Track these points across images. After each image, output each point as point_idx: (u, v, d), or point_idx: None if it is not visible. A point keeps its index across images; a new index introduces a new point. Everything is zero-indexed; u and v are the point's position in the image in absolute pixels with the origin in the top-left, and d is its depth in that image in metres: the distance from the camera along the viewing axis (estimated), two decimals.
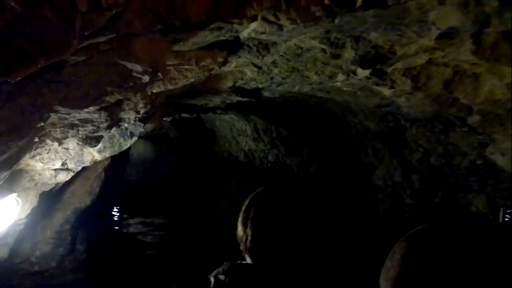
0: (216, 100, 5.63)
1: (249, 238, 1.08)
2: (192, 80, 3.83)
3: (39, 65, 2.37)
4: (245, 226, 1.10)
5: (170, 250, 7.53)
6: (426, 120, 5.99)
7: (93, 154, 4.24)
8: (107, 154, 4.33)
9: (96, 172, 5.23)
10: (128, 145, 4.39)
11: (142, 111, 3.91)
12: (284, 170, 12.13)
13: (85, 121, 3.71)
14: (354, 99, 5.78)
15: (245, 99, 5.04)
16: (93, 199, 5.34)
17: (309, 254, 1.09)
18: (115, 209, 10.39)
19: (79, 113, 3.51)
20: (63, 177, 4.38)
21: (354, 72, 4.06)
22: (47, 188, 4.47)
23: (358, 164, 8.22)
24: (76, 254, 5.52)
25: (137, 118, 4.00)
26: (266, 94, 5.56)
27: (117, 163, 6.16)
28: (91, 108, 3.25)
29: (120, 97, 3.29)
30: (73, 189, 5.16)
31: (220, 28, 3.10)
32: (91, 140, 3.94)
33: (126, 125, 4.04)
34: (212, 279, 1.05)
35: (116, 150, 4.32)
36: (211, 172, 15.97)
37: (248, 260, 1.10)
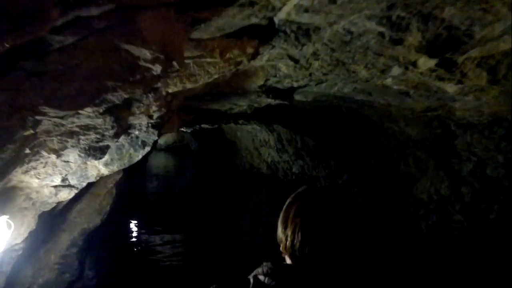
0: (242, 104, 4.87)
1: (289, 238, 1.03)
2: (216, 76, 3.07)
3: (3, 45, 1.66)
4: (285, 226, 1.05)
5: (193, 272, 6.75)
6: (483, 125, 5.10)
7: (98, 168, 3.51)
8: (116, 167, 3.59)
9: (107, 188, 4.51)
10: (140, 156, 3.65)
11: (155, 115, 3.17)
12: (310, 182, 11.27)
13: (87, 128, 2.98)
14: (400, 101, 4.94)
15: (276, 101, 4.27)
16: (103, 219, 4.61)
17: (351, 255, 1.02)
18: (132, 226, 9.77)
19: (78, 117, 2.79)
20: (65, 195, 3.66)
21: (415, 64, 3.23)
22: (48, 208, 3.76)
23: (396, 175, 7.32)
24: (84, 280, 4.79)
25: (150, 124, 3.25)
26: (298, 97, 4.77)
27: (131, 177, 5.44)
28: (89, 110, 2.51)
29: (126, 96, 2.55)
30: (80, 208, 4.45)
31: (252, 3, 2.34)
32: (95, 151, 3.21)
33: (137, 132, 3.30)
34: (251, 279, 1.00)
35: (125, 163, 3.58)
36: (232, 185, 15.21)
37: (288, 261, 1.06)
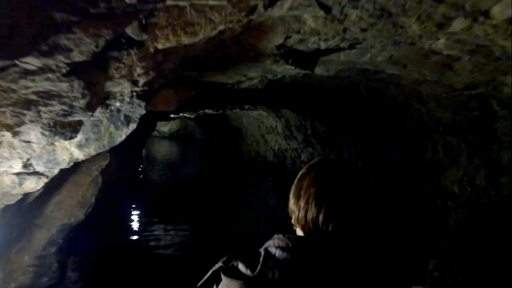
0: (253, 75, 4.00)
1: (302, 209, 0.97)
2: (221, 28, 2.23)
3: None
4: (298, 196, 0.99)
5: (194, 265, 5.98)
6: None
7: (70, 151, 2.70)
8: (93, 150, 2.78)
9: (91, 176, 3.71)
10: (124, 136, 2.82)
11: (141, 81, 2.35)
12: None
13: (48, 96, 2.17)
14: (439, 75, 4.08)
15: (296, 71, 3.41)
16: (87, 212, 3.82)
17: (369, 229, 0.95)
18: (130, 218, 9.01)
19: (32, 79, 1.97)
20: (33, 184, 2.86)
21: (486, 14, 2.38)
22: (12, 201, 2.96)
23: (421, 164, 6.48)
24: (67, 284, 4.01)
25: (134, 94, 2.43)
26: (319, 70, 3.93)
27: (123, 163, 4.65)
28: (37, 62, 1.69)
29: (93, 46, 1.74)
30: (58, 200, 3.65)
31: None
32: (64, 129, 2.40)
33: (118, 104, 2.48)
34: (262, 252, 0.94)
35: (105, 144, 2.76)
36: (237, 174, 14.43)
37: (300, 233, 1.01)
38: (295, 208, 0.99)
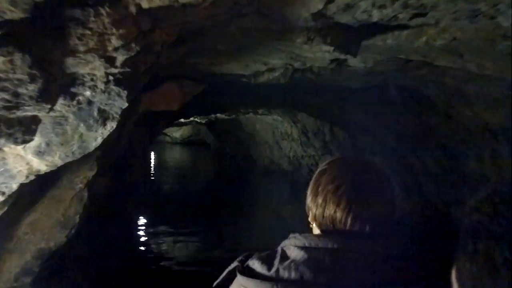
0: (276, 63, 3.13)
1: (320, 206, 0.93)
2: None
3: None
4: (315, 194, 0.95)
5: (207, 279, 5.18)
6: None
7: (27, 159, 1.92)
8: (58, 158, 1.96)
9: (74, 189, 2.93)
10: (100, 139, 1.98)
11: (120, 58, 1.58)
12: None
13: None
14: (501, 69, 3.26)
15: (333, 55, 2.57)
16: (69, 235, 3.04)
17: (386, 225, 0.91)
18: (138, 228, 8.32)
19: None
20: None
21: None
22: None
23: (461, 175, 5.61)
24: None
25: (111, 78, 1.64)
26: (355, 61, 3.12)
27: (120, 173, 3.87)
28: None
29: None
30: (33, 219, 2.88)
31: None
32: (11, 128, 1.64)
33: (88, 93, 1.70)
34: (279, 250, 0.92)
35: (75, 150, 1.94)
36: (250, 181, 13.64)
37: (316, 231, 0.98)
38: (313, 205, 0.95)
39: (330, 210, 0.91)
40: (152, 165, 18.80)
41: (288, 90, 4.65)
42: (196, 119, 12.10)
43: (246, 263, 0.93)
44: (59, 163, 2.00)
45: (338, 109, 6.90)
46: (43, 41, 1.39)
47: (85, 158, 2.57)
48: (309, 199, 0.97)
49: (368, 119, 7.06)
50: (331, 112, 7.49)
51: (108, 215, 4.36)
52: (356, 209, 0.89)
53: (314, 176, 0.99)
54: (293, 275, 0.84)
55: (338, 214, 0.90)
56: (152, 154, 22.00)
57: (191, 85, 3.42)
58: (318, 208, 0.94)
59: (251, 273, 0.89)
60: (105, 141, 2.27)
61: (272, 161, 13.59)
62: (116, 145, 3.41)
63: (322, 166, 1.00)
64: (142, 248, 7.26)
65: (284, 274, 0.85)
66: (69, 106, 1.72)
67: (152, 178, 14.77)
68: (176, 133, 25.22)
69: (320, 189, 0.94)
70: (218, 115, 11.06)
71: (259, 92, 5.00)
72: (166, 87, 3.09)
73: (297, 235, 0.92)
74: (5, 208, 2.40)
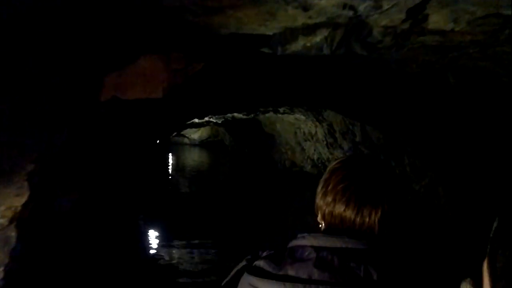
0: (323, 7, 1.92)
1: (329, 205, 0.92)
2: None
3: None
4: (325, 192, 0.94)
5: None
6: None
7: None
8: None
9: None
10: None
11: None
12: None
13: None
14: None
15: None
16: None
17: (395, 226, 0.92)
18: (149, 236, 7.38)
19: None
20: None
21: None
22: None
23: None
24: None
25: None
26: (441, 19, 1.93)
27: (97, 195, 2.75)
28: None
29: None
30: None
31: None
32: None
33: None
34: (287, 250, 0.90)
35: None
36: (270, 186, 12.47)
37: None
38: (322, 203, 0.94)
39: (339, 209, 0.91)
40: (169, 167, 17.96)
41: (321, 76, 3.48)
42: (212, 119, 10.97)
43: (254, 262, 0.90)
44: None
45: (376, 104, 5.63)
46: None
47: (5, 178, 1.44)
48: (318, 198, 0.96)
49: (409, 115, 5.76)
50: (365, 108, 6.23)
51: (91, 236, 3.26)
52: (366, 209, 0.89)
53: (325, 174, 0.98)
54: (301, 274, 0.83)
55: (348, 213, 0.90)
56: (170, 156, 21.17)
57: (183, 58, 2.25)
58: (327, 207, 0.93)
59: (259, 273, 0.87)
60: (44, 151, 1.19)
61: (294, 164, 12.36)
62: (77, 153, 2.32)
63: (332, 164, 0.99)
64: (151, 261, 6.30)
65: (293, 273, 0.83)
66: None
67: (169, 182, 13.91)
68: (194, 134, 24.34)
69: (330, 188, 0.93)
70: (235, 114, 9.92)
71: (282, 81, 3.81)
72: (143, 63, 1.98)
73: (305, 234, 0.91)
74: None
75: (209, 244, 7.31)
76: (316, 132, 9.50)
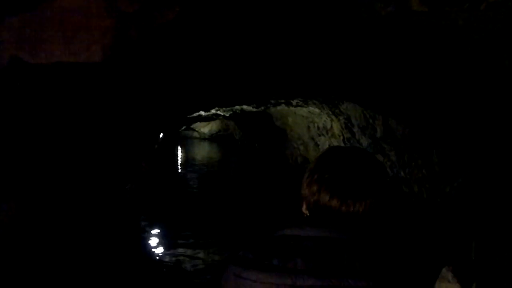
0: None
1: (315, 195, 0.91)
2: None
3: None
4: (310, 182, 0.92)
5: None
6: None
7: None
8: None
9: None
10: None
11: None
12: (393, 186, 7.42)
13: None
14: None
15: None
16: None
17: (379, 216, 0.91)
18: (157, 236, 6.86)
19: None
20: None
21: None
22: None
23: None
24: None
25: None
26: None
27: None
28: None
29: None
30: None
31: None
32: None
33: None
34: (279, 240, 0.89)
35: None
36: (281, 182, 11.69)
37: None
38: (308, 193, 0.93)
39: (324, 199, 0.90)
40: (178, 162, 17.37)
41: (346, 54, 2.66)
42: (219, 112, 10.17)
43: (240, 253, 0.90)
44: None
45: (407, 93, 4.76)
46: None
47: None
48: (304, 188, 0.95)
49: (447, 104, 4.88)
50: (392, 97, 5.35)
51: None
52: (351, 198, 0.88)
53: (311, 164, 0.97)
54: (286, 264, 0.83)
55: (333, 203, 0.89)
56: (179, 150, 20.54)
57: None
58: (312, 197, 0.92)
59: (243, 262, 0.86)
60: None
61: (306, 160, 11.51)
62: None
63: (319, 154, 0.99)
64: (154, 264, 5.74)
65: (277, 263, 0.83)
66: None
67: (176, 177, 13.33)
68: (204, 128, 23.70)
69: (315, 177, 0.92)
70: (244, 107, 9.10)
71: (298, 63, 2.99)
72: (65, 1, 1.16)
73: (291, 225, 0.90)
74: None
75: (216, 244, 6.76)
76: (331, 126, 8.64)
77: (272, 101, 8.10)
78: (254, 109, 9.21)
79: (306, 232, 0.86)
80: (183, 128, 19.38)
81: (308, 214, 0.93)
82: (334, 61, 4.68)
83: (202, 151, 21.21)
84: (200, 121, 18.54)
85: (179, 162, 17.61)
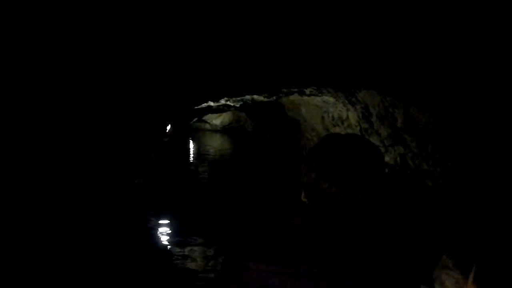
0: None
1: (313, 181, 0.90)
2: None
3: None
4: (309, 170, 0.92)
5: None
6: None
7: None
8: None
9: None
10: None
11: None
12: (414, 179, 6.89)
13: None
14: None
15: None
16: None
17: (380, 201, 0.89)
18: (166, 233, 6.55)
19: None
20: None
21: None
22: None
23: None
24: None
25: None
26: None
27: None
28: None
29: None
30: None
31: None
32: None
33: None
34: (280, 227, 0.89)
35: None
36: (294, 175, 11.20)
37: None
38: (307, 180, 0.92)
39: (323, 185, 0.88)
40: (190, 155, 17.06)
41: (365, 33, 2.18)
42: (229, 102, 9.73)
43: (240, 242, 0.88)
44: None
45: (433, 76, 4.24)
46: None
47: None
48: (302, 175, 0.94)
49: (470, 93, 4.34)
50: (416, 82, 4.83)
51: None
52: (350, 185, 0.86)
53: (309, 151, 0.96)
54: (287, 252, 0.82)
55: (332, 190, 0.87)
56: (191, 143, 20.25)
57: None
58: (311, 184, 0.90)
59: (247, 253, 0.84)
60: None
61: None
62: None
63: (318, 142, 0.98)
64: (161, 262, 5.41)
65: (279, 251, 0.82)
66: None
67: (188, 170, 13.03)
68: (216, 120, 23.32)
69: (314, 164, 0.91)
70: (255, 96, 8.63)
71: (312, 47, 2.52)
72: None
73: (290, 213, 0.90)
74: None
75: (226, 241, 6.39)
76: (347, 116, 8.13)
77: (284, 90, 7.63)
78: (266, 99, 8.75)
79: (306, 220, 0.86)
80: (194, 120, 19.04)
81: (307, 202, 0.92)
82: (350, 42, 4.19)
83: (214, 143, 20.86)
84: (212, 113, 18.15)
85: (191, 155, 17.29)
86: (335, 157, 0.89)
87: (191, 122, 19.51)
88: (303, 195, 0.94)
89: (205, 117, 21.96)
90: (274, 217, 0.90)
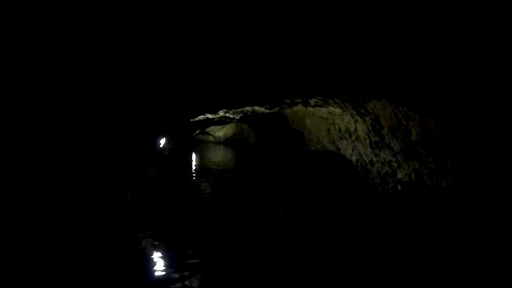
0: None
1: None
2: None
3: None
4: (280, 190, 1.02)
5: None
6: None
7: None
8: None
9: None
10: None
11: None
12: (430, 198, 6.21)
13: None
14: None
15: None
16: None
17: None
18: (164, 255, 5.90)
19: None
20: None
21: None
22: None
23: None
24: None
25: None
26: None
27: None
28: None
29: None
30: None
31: None
32: None
33: None
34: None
35: None
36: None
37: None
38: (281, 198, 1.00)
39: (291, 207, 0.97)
40: (192, 168, 16.43)
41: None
42: (228, 114, 9.13)
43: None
44: None
45: (453, 83, 3.62)
46: None
47: None
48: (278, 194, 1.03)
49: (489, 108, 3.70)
50: (433, 91, 4.20)
51: None
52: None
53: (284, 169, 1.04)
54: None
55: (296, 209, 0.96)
56: (193, 156, 19.67)
57: None
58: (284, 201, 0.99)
59: None
60: None
61: None
62: None
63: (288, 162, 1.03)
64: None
65: None
66: None
67: (189, 185, 12.36)
68: (219, 132, 22.78)
69: (281, 184, 1.02)
70: (256, 108, 8.03)
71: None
72: None
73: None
74: None
75: (229, 265, 5.68)
76: (355, 128, 7.49)
77: (287, 101, 7.03)
78: (267, 111, 8.15)
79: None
80: (197, 132, 18.49)
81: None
82: (359, 47, 3.58)
83: (217, 156, 20.25)
84: (214, 125, 17.60)
85: (193, 168, 16.66)
86: (300, 177, 0.96)
87: (194, 134, 18.96)
88: (281, 212, 1.00)
89: (208, 129, 21.43)
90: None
